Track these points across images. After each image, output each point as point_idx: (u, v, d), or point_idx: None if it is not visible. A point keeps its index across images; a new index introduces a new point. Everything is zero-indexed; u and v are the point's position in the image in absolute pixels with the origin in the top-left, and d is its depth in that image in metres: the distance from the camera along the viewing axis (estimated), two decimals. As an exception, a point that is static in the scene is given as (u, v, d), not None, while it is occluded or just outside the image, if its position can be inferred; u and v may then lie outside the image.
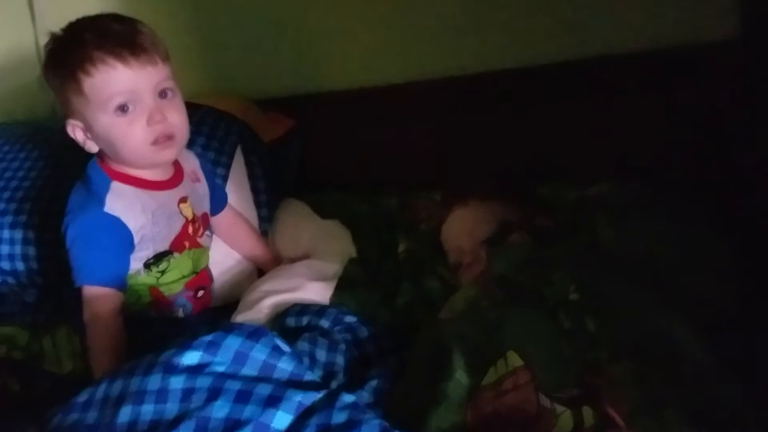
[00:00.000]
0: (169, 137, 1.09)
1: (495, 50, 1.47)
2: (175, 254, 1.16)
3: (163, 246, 1.14)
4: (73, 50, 1.06)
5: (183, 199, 1.17)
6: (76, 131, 1.12)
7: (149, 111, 1.07)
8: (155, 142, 1.08)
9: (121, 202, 1.10)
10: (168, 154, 1.12)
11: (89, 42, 1.05)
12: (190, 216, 1.18)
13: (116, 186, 1.11)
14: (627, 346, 0.84)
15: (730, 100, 1.28)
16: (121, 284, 1.11)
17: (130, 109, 1.06)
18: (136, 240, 1.11)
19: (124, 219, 1.09)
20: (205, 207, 1.25)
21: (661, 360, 0.82)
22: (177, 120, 1.10)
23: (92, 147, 1.12)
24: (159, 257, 1.14)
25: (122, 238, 1.10)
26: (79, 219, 1.10)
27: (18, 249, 1.39)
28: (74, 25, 1.10)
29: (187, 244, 1.18)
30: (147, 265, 1.14)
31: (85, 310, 1.09)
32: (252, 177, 1.42)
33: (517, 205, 1.22)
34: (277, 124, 1.55)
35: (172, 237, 1.15)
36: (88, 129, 1.10)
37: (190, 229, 1.18)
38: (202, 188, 1.25)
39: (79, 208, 1.11)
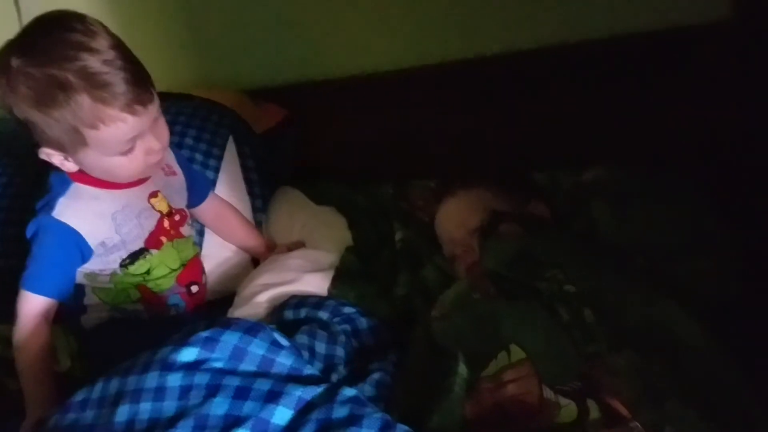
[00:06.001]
0: (160, 156, 1.08)
1: (489, 36, 1.46)
2: (152, 251, 1.13)
3: (137, 245, 1.12)
4: (70, 101, 0.94)
5: (153, 194, 1.15)
6: (52, 158, 1.03)
7: (147, 144, 1.03)
8: (148, 165, 1.07)
9: (74, 207, 1.07)
10: (156, 167, 1.12)
11: (91, 95, 0.94)
12: (164, 209, 1.16)
13: (75, 188, 1.08)
14: (626, 336, 0.84)
15: (725, 82, 1.27)
16: (60, 295, 1.09)
17: (133, 148, 1.02)
18: (93, 244, 1.08)
19: (73, 224, 1.06)
20: (184, 199, 1.22)
21: (661, 349, 0.82)
22: (165, 138, 1.08)
23: (71, 168, 1.06)
24: (134, 256, 1.12)
25: (69, 245, 1.07)
26: (31, 225, 1.08)
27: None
28: (53, 54, 0.93)
29: (164, 239, 1.15)
30: (123, 265, 1.11)
31: (17, 311, 1.06)
32: (245, 168, 1.41)
33: (507, 193, 1.21)
34: (269, 115, 1.54)
35: (146, 234, 1.13)
36: (71, 158, 1.03)
37: (166, 223, 1.15)
38: (178, 181, 1.22)
39: (34, 214, 1.08)
